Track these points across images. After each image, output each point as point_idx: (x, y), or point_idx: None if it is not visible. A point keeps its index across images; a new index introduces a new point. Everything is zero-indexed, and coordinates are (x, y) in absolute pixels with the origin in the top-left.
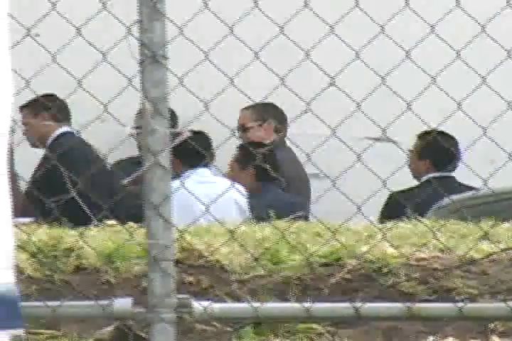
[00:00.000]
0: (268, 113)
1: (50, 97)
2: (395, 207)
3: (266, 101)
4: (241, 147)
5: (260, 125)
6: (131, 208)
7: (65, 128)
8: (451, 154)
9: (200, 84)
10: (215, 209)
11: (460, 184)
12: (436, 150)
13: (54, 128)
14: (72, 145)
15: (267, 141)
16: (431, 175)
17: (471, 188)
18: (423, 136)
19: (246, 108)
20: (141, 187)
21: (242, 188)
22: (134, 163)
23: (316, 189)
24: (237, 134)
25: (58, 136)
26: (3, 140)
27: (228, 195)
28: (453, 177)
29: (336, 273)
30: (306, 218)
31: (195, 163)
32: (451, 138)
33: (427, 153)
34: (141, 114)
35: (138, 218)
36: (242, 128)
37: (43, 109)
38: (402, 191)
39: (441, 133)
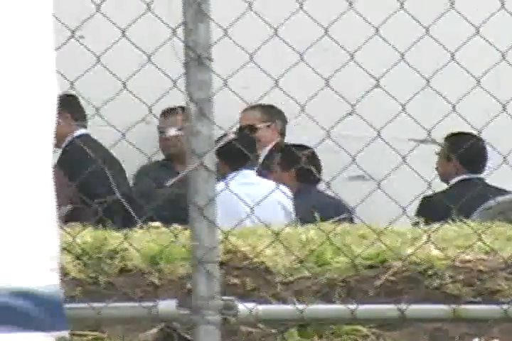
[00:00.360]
0: (275, 114)
1: (71, 97)
2: (428, 211)
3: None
4: (282, 149)
5: (269, 126)
6: (162, 210)
7: (82, 130)
8: (480, 155)
9: (245, 85)
10: (260, 211)
11: (488, 185)
12: (464, 152)
13: (73, 130)
14: (89, 147)
15: (273, 142)
16: (460, 178)
17: (500, 190)
18: (450, 138)
19: (252, 108)
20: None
21: (286, 189)
22: (159, 166)
23: (360, 191)
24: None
25: (75, 138)
26: (50, 141)
27: (273, 196)
28: (482, 179)
29: (381, 275)
30: (351, 220)
31: (240, 165)
32: (479, 139)
33: (455, 155)
34: (166, 114)
35: (171, 220)
36: (251, 128)
37: (65, 109)
38: (435, 194)
39: (469, 134)
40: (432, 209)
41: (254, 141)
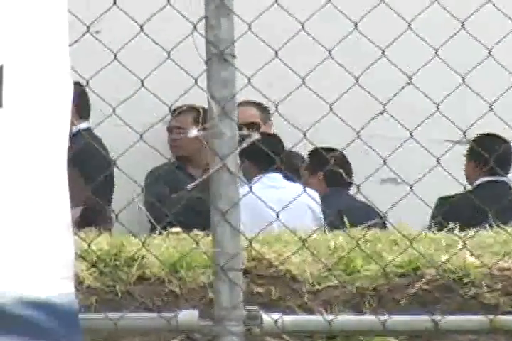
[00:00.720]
0: (268, 113)
1: (76, 85)
2: (444, 213)
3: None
4: (311, 152)
5: (265, 124)
6: (182, 215)
7: (84, 124)
8: (504, 158)
9: (269, 83)
10: (288, 216)
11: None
12: (487, 154)
13: (75, 121)
14: (94, 143)
15: None
16: (482, 180)
17: None
18: (476, 139)
19: (247, 104)
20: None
21: (314, 193)
22: (172, 169)
23: (392, 194)
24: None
25: (77, 132)
26: (64, 142)
27: (301, 200)
28: (506, 182)
29: (414, 284)
30: (383, 225)
31: (266, 167)
32: (504, 141)
33: (478, 157)
34: (179, 112)
35: (191, 225)
36: (254, 127)
37: None
38: (452, 196)
39: (495, 136)
40: (448, 212)
41: (281, 141)
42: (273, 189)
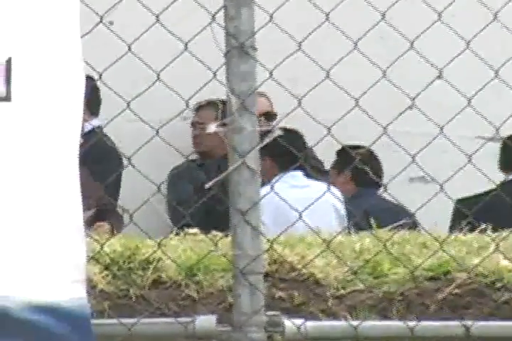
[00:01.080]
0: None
1: (88, 80)
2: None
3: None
4: (339, 151)
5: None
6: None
7: (96, 122)
8: None
9: (293, 77)
10: (313, 216)
11: None
12: (507, 153)
13: (87, 118)
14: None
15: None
16: (504, 180)
17: None
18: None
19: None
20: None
21: (338, 192)
22: (195, 167)
23: (421, 194)
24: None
25: (91, 130)
26: (76, 140)
27: (326, 199)
28: None
29: (444, 288)
30: (414, 226)
31: (288, 165)
32: None
33: (509, 155)
34: (201, 107)
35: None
36: (271, 116)
37: None
38: (473, 196)
39: None
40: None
41: (302, 137)
42: (297, 188)
